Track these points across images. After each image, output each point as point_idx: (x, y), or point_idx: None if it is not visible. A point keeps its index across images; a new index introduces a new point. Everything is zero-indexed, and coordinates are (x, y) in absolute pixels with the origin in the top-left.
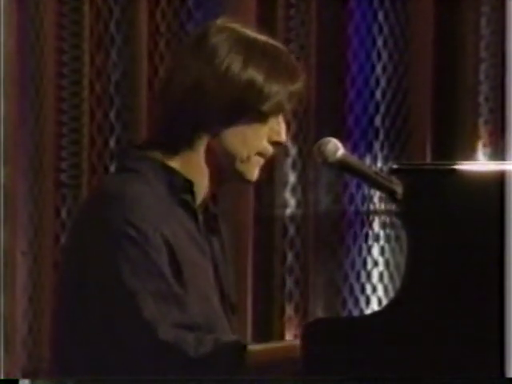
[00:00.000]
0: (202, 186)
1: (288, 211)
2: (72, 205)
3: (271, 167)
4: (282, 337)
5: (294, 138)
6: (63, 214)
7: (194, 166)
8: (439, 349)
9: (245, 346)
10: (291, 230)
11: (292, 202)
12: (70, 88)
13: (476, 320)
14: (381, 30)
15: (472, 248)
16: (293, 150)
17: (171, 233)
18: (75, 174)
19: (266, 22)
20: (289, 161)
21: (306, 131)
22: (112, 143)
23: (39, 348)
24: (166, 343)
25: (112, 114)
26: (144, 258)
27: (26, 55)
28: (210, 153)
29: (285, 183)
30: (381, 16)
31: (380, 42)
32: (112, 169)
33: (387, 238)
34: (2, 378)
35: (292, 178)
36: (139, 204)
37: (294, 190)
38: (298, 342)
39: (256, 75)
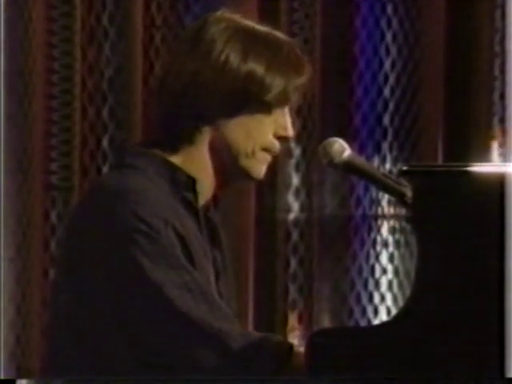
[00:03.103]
0: (206, 186)
1: (291, 215)
2: (62, 208)
3: (273, 169)
4: None
5: (298, 137)
6: (53, 218)
7: (197, 163)
8: (448, 357)
9: (291, 347)
10: (294, 235)
11: (295, 205)
12: (60, 85)
13: (476, 320)
14: (390, 23)
15: (487, 254)
16: (296, 151)
17: (181, 226)
18: (66, 176)
19: (268, 15)
20: (292, 162)
21: (311, 130)
22: (105, 143)
23: (28, 360)
24: (208, 336)
25: (105, 112)
26: (162, 251)
27: (14, 50)
28: (211, 148)
29: (288, 186)
30: (390, 8)
31: (389, 36)
32: (105, 170)
33: (396, 244)
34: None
35: (295, 180)
36: (145, 198)
37: (297, 193)
38: None
39: (256, 66)
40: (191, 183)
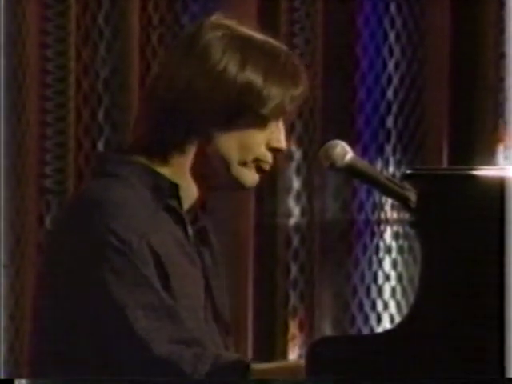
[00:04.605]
0: (190, 191)
1: (292, 220)
2: (57, 212)
3: (273, 172)
4: (285, 356)
5: (299, 140)
6: (47, 222)
7: (184, 171)
8: (449, 358)
9: (248, 365)
10: (295, 241)
11: (296, 210)
12: (54, 86)
13: (477, 320)
14: (393, 22)
15: (493, 260)
16: (297, 154)
17: (158, 240)
18: (60, 180)
19: (268, 15)
20: (293, 165)
21: (312, 133)
22: (100, 146)
23: (22, 368)
24: (160, 359)
25: (100, 114)
26: (130, 268)
27: (7, 50)
28: (201, 157)
29: (288, 189)
30: (393, 7)
31: (392, 36)
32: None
33: (400, 250)
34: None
35: (296, 184)
36: (122, 211)
37: (298, 197)
38: (303, 362)
39: (254, 77)
40: (174, 189)
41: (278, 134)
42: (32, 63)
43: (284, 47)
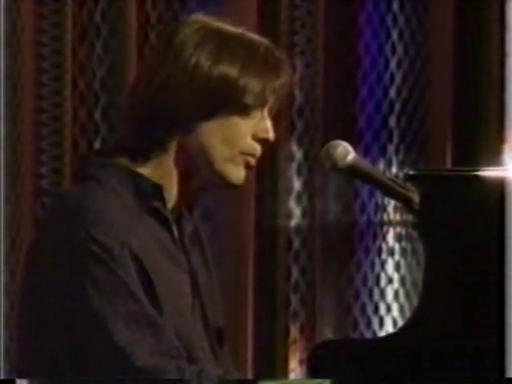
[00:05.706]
0: (174, 191)
1: (293, 222)
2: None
3: (274, 173)
4: (285, 361)
5: (300, 140)
6: None
7: (167, 170)
8: (449, 358)
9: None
10: (296, 243)
11: (297, 211)
12: (50, 85)
13: (477, 321)
14: (396, 20)
15: (494, 261)
16: (298, 154)
17: (140, 245)
18: (56, 181)
19: (268, 12)
20: (294, 166)
21: (313, 133)
22: (97, 146)
23: (18, 373)
24: (142, 372)
25: (97, 114)
26: (110, 277)
27: (2, 48)
28: (184, 154)
29: (289, 191)
30: (395, 5)
31: (395, 34)
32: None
33: (403, 252)
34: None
35: (297, 184)
36: (103, 217)
37: (299, 199)
38: None
39: (229, 68)
40: (158, 191)
41: (263, 124)
42: (27, 61)
43: (264, 40)
